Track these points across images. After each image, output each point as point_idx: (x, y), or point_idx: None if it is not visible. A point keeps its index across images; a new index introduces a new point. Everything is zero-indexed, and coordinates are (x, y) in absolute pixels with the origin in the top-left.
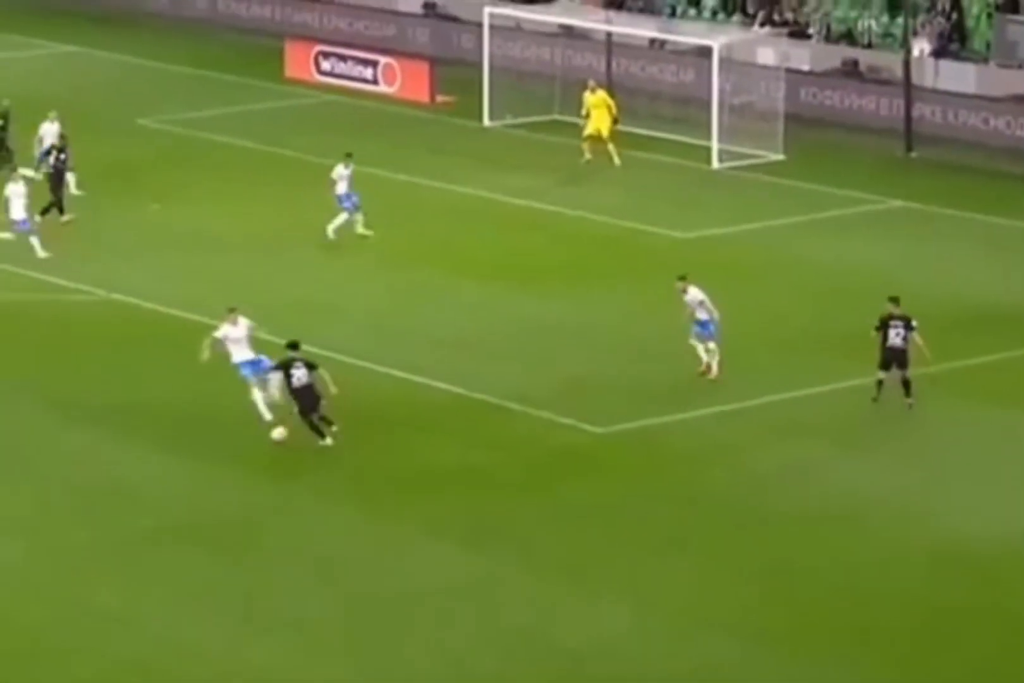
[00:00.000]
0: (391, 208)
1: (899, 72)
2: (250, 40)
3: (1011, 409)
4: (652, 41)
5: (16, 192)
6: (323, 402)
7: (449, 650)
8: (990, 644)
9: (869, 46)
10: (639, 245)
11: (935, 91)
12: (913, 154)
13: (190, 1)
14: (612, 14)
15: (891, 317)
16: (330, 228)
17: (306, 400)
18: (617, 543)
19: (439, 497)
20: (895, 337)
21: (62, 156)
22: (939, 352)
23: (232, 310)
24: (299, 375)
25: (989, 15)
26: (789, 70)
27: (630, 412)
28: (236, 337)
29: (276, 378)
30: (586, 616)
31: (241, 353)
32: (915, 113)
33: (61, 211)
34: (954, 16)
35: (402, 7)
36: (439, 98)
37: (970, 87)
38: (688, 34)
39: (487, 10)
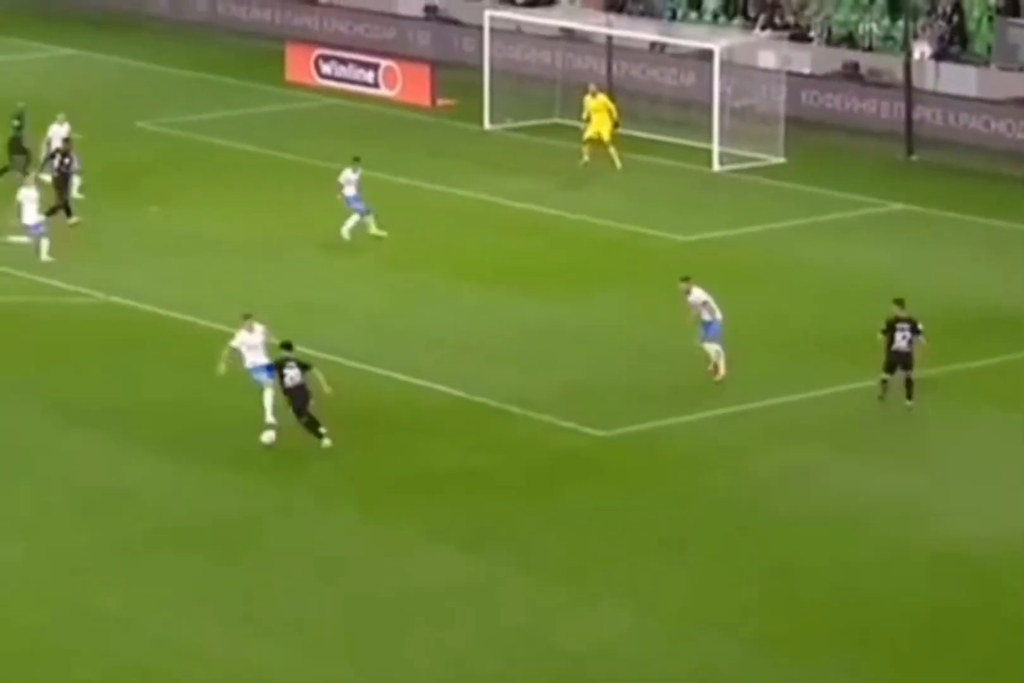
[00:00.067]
0: (392, 211)
1: (900, 75)
2: (250, 43)
3: (1012, 412)
4: (653, 44)
5: (29, 197)
6: (312, 402)
7: (449, 652)
8: (990, 645)
9: (870, 49)
10: (640, 248)
11: (936, 94)
12: (914, 157)
13: (190, 4)
14: (613, 17)
15: (897, 320)
16: (344, 230)
17: (298, 400)
18: (618, 546)
19: (439, 500)
20: (901, 340)
21: (66, 160)
22: (940, 355)
23: (247, 316)
24: (292, 375)
25: (990, 18)
26: (790, 73)
27: (631, 415)
28: (253, 344)
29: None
30: (586, 618)
31: (257, 358)
32: (916, 116)
33: (68, 213)
34: (955, 19)
35: (403, 10)
36: (440, 101)
37: (971, 90)
38: (689, 37)
39: (488, 13)
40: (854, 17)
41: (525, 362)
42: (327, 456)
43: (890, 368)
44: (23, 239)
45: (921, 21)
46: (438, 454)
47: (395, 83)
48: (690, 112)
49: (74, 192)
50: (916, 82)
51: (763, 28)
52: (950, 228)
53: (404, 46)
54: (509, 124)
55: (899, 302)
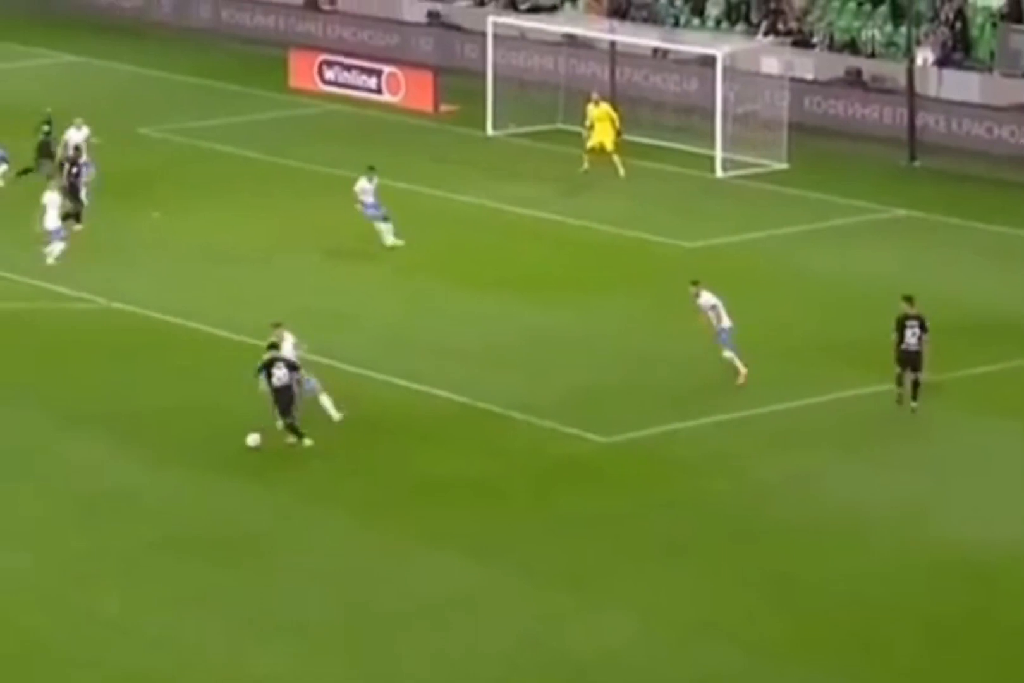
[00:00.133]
0: (395, 217)
1: (903, 81)
2: (254, 49)
3: (1014, 419)
4: (656, 50)
5: (52, 201)
6: (296, 404)
7: (452, 659)
8: (994, 652)
9: (873, 55)
10: (643, 254)
11: (939, 100)
12: (917, 163)
13: (194, 11)
14: (616, 23)
15: (907, 317)
16: (388, 240)
17: (284, 401)
18: (621, 552)
19: (442, 506)
20: (911, 337)
21: (75, 170)
22: (943, 361)
23: (277, 325)
24: (280, 375)
25: (993, 24)
26: (793, 79)
27: (634, 421)
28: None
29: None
30: (590, 625)
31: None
32: (919, 122)
33: (78, 220)
34: (958, 25)
35: (406, 16)
36: (443, 107)
37: (974, 96)
38: (692, 43)
39: (491, 19)
40: (857, 23)
41: (527, 368)
42: (330, 462)
43: (902, 365)
44: (57, 248)
45: (924, 27)
46: (440, 460)
47: (398, 89)
48: (693, 118)
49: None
50: (919, 88)
51: (766, 34)
52: (953, 234)
53: (407, 52)
54: (512, 130)
55: (908, 299)
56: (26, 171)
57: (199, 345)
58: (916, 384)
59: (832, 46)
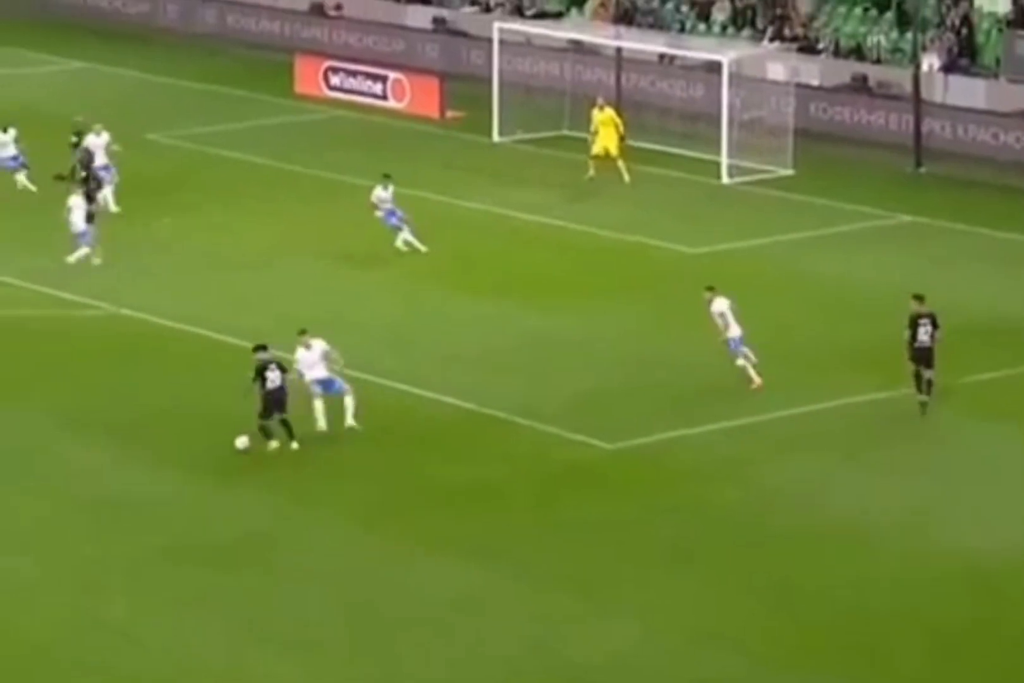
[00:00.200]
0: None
1: (908, 87)
2: (259, 55)
3: (1022, 425)
4: (662, 56)
5: (78, 204)
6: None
7: (455, 665)
8: (998, 662)
9: (878, 61)
10: (649, 260)
11: (944, 106)
12: (922, 169)
13: (199, 16)
14: (622, 29)
15: (919, 316)
16: (419, 247)
17: (275, 402)
18: (625, 558)
19: (446, 511)
20: (923, 334)
21: (84, 173)
22: (949, 367)
23: (303, 333)
24: (273, 377)
25: (999, 30)
26: (799, 85)
27: (639, 427)
28: (312, 362)
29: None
30: (594, 631)
31: (314, 373)
32: (924, 128)
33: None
34: (963, 31)
35: (411, 22)
36: (449, 113)
37: (979, 102)
38: (698, 49)
39: (497, 25)
40: (863, 29)
41: (533, 373)
42: (334, 466)
43: (915, 362)
44: (82, 252)
45: (930, 33)
46: (445, 465)
47: (404, 95)
48: (699, 124)
49: (111, 206)
50: (925, 94)
51: (772, 40)
52: (959, 240)
53: (413, 58)
54: (518, 136)
55: (919, 298)
56: (62, 177)
57: (207, 351)
58: (929, 383)
59: (838, 52)
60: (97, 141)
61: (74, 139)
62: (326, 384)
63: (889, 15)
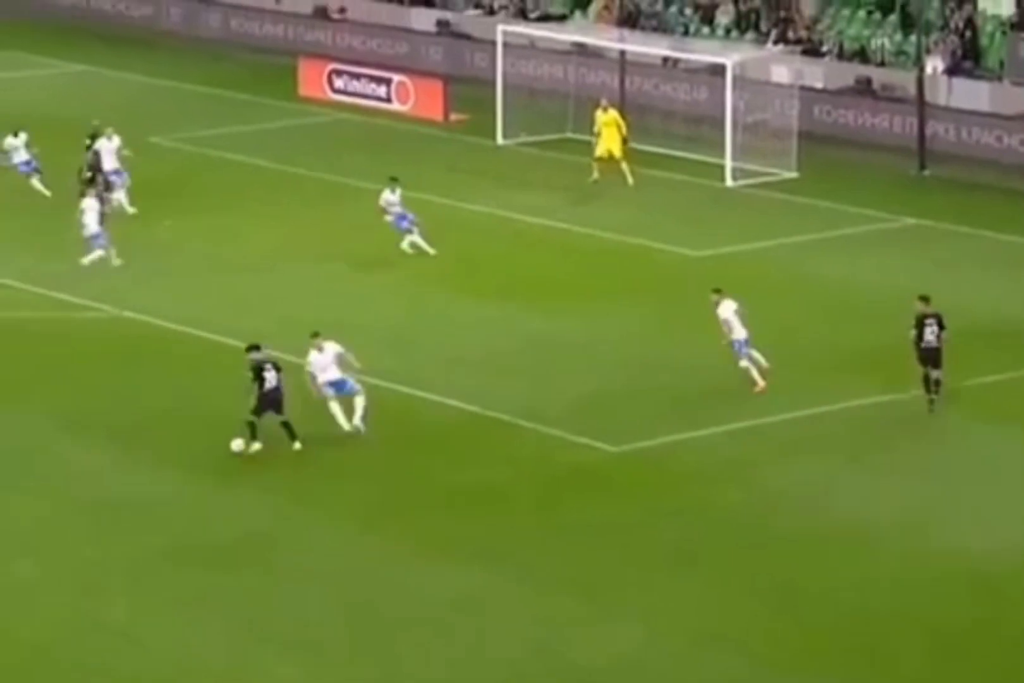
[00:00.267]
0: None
1: (912, 90)
2: (263, 58)
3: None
4: (665, 59)
5: (91, 206)
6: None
7: (458, 668)
8: (999, 663)
9: (882, 64)
10: (653, 263)
11: (948, 109)
12: (926, 172)
13: (203, 20)
14: (626, 32)
15: (925, 316)
16: (428, 250)
17: (271, 402)
18: (628, 561)
19: (450, 514)
20: (930, 335)
21: (90, 174)
22: (952, 370)
23: (315, 335)
24: (270, 377)
25: (1003, 33)
26: (803, 88)
27: (643, 430)
28: (324, 364)
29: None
30: (597, 633)
31: (327, 375)
32: (928, 131)
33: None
34: (967, 34)
35: (415, 25)
36: (453, 116)
37: (983, 105)
38: (702, 52)
39: (501, 28)
40: (866, 32)
41: (536, 376)
42: (336, 468)
43: (923, 363)
44: (95, 255)
45: (934, 36)
46: (448, 467)
47: (408, 98)
48: (703, 127)
49: (127, 208)
50: (928, 97)
51: (775, 43)
52: (963, 243)
53: (417, 61)
54: (522, 139)
55: (924, 299)
56: (88, 179)
57: (207, 352)
58: (938, 382)
59: (842, 55)
60: (108, 145)
61: (88, 141)
62: (338, 385)
63: (893, 18)
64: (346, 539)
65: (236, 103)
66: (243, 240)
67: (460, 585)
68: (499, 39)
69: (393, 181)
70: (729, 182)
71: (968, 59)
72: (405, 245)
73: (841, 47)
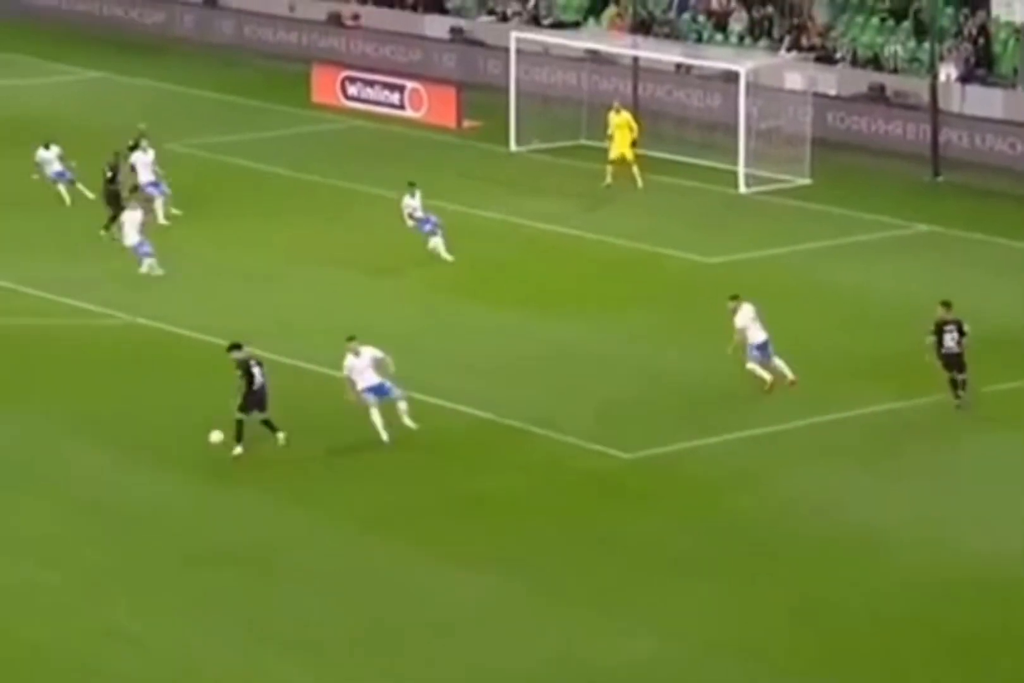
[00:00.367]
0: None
1: (926, 97)
2: (276, 65)
3: None
4: (679, 66)
5: (131, 218)
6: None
7: (467, 675)
8: (1014, 669)
9: (896, 71)
10: (665, 270)
11: (962, 116)
12: (940, 179)
13: (217, 27)
14: (639, 39)
15: (945, 322)
16: (446, 257)
17: (257, 400)
18: (642, 569)
19: (464, 521)
20: (950, 341)
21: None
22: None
23: (351, 339)
24: (258, 374)
25: (1016, 40)
26: (816, 95)
27: (656, 437)
28: (361, 368)
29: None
30: (610, 642)
31: (365, 380)
32: (942, 138)
33: (107, 227)
34: (981, 41)
35: (429, 32)
36: (466, 123)
37: (997, 112)
38: (715, 59)
39: (514, 35)
40: (880, 39)
41: (549, 383)
42: (349, 475)
43: (948, 369)
44: (147, 263)
45: (947, 43)
46: (462, 475)
47: (421, 105)
48: (716, 134)
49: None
50: (942, 104)
51: (789, 50)
52: (976, 250)
53: (430, 68)
54: (535, 146)
55: (946, 304)
56: (136, 188)
57: (216, 358)
58: (964, 382)
59: (855, 62)
60: (144, 158)
61: (131, 143)
62: (378, 390)
63: (906, 25)
64: (353, 544)
65: (249, 110)
66: (256, 246)
67: (469, 590)
68: (512, 46)
69: (411, 186)
70: (742, 189)
71: (981, 66)
72: (432, 246)
73: (854, 54)
